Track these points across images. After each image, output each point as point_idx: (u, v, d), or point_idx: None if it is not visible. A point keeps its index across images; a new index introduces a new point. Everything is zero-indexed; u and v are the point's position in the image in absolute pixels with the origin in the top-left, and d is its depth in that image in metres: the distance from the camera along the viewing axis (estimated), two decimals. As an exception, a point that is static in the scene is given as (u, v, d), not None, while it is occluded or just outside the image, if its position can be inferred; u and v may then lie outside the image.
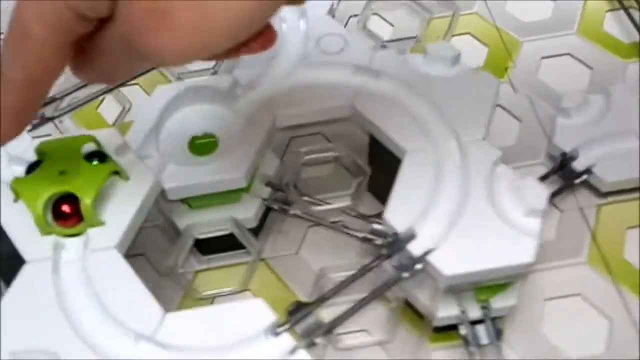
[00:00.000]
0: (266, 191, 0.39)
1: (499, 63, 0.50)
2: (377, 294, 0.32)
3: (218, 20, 0.22)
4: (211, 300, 0.38)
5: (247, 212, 0.38)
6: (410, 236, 0.33)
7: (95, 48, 0.25)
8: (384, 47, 0.44)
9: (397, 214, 0.34)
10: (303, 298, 0.40)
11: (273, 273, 0.40)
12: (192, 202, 0.37)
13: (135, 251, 0.39)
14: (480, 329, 0.36)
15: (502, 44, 0.52)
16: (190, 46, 0.22)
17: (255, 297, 0.38)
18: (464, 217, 0.34)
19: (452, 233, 0.33)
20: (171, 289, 0.39)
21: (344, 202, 0.40)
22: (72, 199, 0.32)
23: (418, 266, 0.33)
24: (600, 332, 0.39)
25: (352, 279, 0.32)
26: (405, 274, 0.32)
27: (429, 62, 0.39)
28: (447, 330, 0.37)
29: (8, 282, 0.34)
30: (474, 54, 0.51)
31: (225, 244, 0.39)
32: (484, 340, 0.36)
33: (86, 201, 0.31)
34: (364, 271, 0.33)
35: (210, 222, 0.37)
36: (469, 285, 0.34)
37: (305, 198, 0.38)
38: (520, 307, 0.38)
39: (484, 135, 0.37)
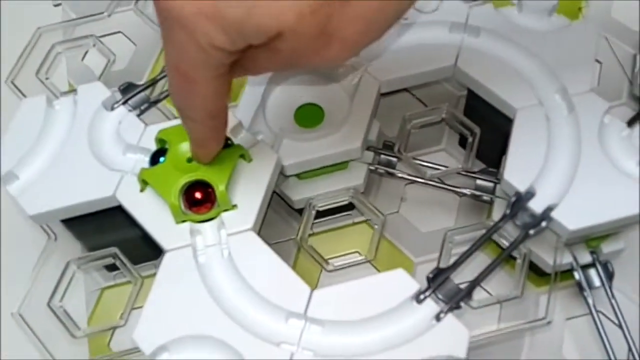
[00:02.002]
0: (369, 156, 0.38)
1: (573, 3, 0.47)
2: (506, 253, 0.31)
3: (378, 29, 0.25)
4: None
5: (357, 179, 0.36)
6: (531, 194, 0.32)
7: (247, 66, 0.26)
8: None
9: (516, 173, 0.33)
10: (411, 256, 0.39)
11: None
12: (302, 174, 0.36)
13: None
14: (593, 273, 0.35)
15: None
16: (353, 52, 0.25)
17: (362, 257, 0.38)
18: (580, 170, 0.33)
19: (571, 188, 0.32)
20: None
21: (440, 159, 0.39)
22: (201, 185, 0.31)
23: (544, 224, 0.31)
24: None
25: (481, 241, 0.31)
26: (532, 232, 0.31)
27: (525, 14, 0.37)
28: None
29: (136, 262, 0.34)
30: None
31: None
32: (597, 283, 0.35)
33: (220, 188, 0.30)
34: (491, 232, 0.31)
35: (328, 194, 0.35)
36: (588, 236, 0.33)
37: (413, 159, 0.36)
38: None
39: (590, 86, 0.35)
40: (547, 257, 0.34)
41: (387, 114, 0.40)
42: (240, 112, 0.35)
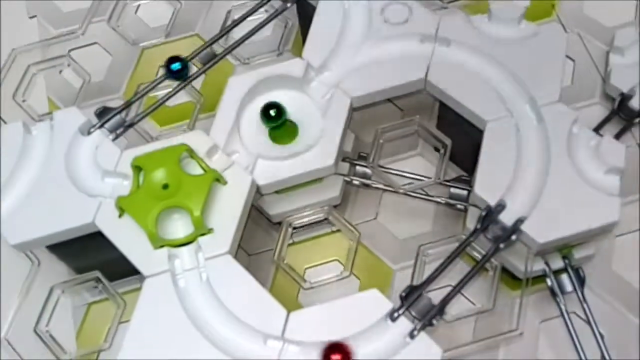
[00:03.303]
0: (345, 167, 0.38)
1: (545, 1, 0.48)
2: (478, 269, 0.32)
3: None
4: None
5: (333, 191, 0.37)
6: (502, 207, 0.33)
7: None
8: (445, 7, 0.41)
9: (487, 186, 0.33)
10: (390, 264, 0.40)
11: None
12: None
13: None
14: (565, 278, 0.36)
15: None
16: None
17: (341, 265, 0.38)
18: (548, 181, 0.33)
19: (540, 200, 0.33)
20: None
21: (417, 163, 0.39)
22: None
23: (513, 237, 0.32)
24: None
25: (453, 256, 0.32)
26: (502, 245, 0.32)
27: (495, 23, 0.37)
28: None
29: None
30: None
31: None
32: (569, 288, 0.36)
33: (196, 213, 0.31)
34: (463, 246, 0.32)
35: (303, 208, 0.36)
36: (559, 246, 0.34)
37: (387, 170, 0.37)
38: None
39: (559, 96, 0.35)
40: (520, 264, 0.35)
41: (370, 118, 0.40)
42: (216, 132, 0.35)
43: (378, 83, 0.36)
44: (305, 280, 0.35)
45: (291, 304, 0.38)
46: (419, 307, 0.30)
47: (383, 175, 0.37)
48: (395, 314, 0.30)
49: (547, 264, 0.36)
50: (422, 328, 0.30)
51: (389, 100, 0.43)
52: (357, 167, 0.39)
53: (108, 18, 0.42)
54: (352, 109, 0.37)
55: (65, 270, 0.37)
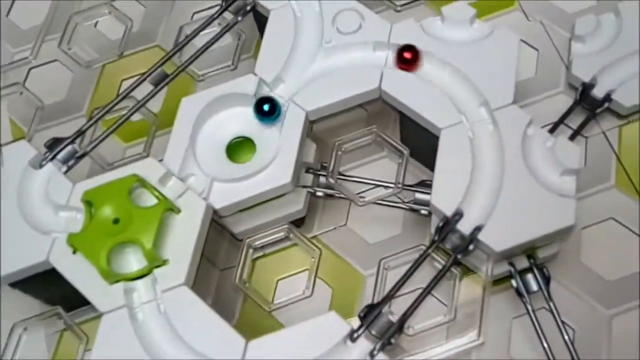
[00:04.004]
0: (308, 178, 0.38)
1: (508, -12, 0.47)
2: (435, 282, 0.32)
3: None
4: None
5: (297, 204, 0.37)
6: (460, 216, 0.32)
7: None
8: (399, 11, 0.40)
9: (443, 196, 0.33)
10: (359, 268, 0.39)
11: (327, 249, 0.40)
12: (242, 207, 0.36)
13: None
14: (530, 277, 0.36)
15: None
16: None
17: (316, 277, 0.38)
18: (504, 186, 0.33)
19: (496, 206, 0.32)
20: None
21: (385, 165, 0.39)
22: None
23: (471, 247, 0.32)
24: (633, 251, 0.38)
25: (412, 270, 0.32)
26: (460, 256, 0.32)
27: (446, 26, 0.36)
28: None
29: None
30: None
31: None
32: (534, 287, 0.35)
33: (147, 247, 0.30)
34: (422, 259, 0.32)
35: (268, 224, 0.35)
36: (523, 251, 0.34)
37: (349, 178, 0.36)
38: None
39: (512, 99, 0.34)
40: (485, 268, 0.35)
41: (336, 124, 0.40)
42: (170, 155, 0.34)
43: (333, 95, 0.35)
44: (269, 302, 0.34)
45: (265, 320, 0.38)
46: (378, 325, 0.30)
47: (345, 184, 0.36)
48: (355, 335, 0.30)
49: (512, 264, 0.35)
50: (382, 348, 0.29)
51: (364, 108, 0.42)
52: (321, 177, 0.38)
53: (60, 38, 0.41)
54: (310, 122, 0.36)
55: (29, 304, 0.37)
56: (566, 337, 0.34)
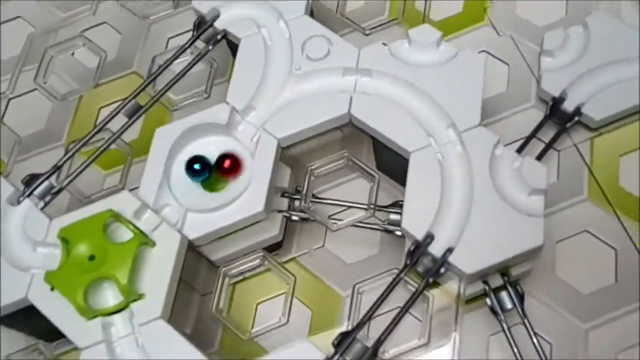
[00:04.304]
0: (283, 202, 0.38)
1: (477, 4, 0.47)
2: (408, 306, 0.32)
3: None
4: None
5: (273, 229, 0.37)
6: (431, 238, 0.33)
7: None
8: (368, 34, 0.41)
9: (414, 220, 0.33)
10: (337, 289, 0.40)
11: (305, 270, 0.40)
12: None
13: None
14: (505, 295, 0.36)
15: (477, -20, 0.48)
16: None
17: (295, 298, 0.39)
18: (473, 208, 0.33)
19: (466, 228, 0.33)
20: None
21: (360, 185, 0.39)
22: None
23: (442, 270, 0.32)
24: (608, 263, 0.39)
25: (384, 296, 0.32)
26: (431, 280, 0.32)
27: (413, 49, 0.37)
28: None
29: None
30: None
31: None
32: (508, 305, 0.36)
33: (122, 282, 0.31)
34: (395, 283, 0.32)
35: (241, 252, 0.36)
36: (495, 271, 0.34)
37: (323, 201, 0.37)
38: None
39: (479, 121, 0.35)
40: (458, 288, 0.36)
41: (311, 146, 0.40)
42: (145, 187, 0.35)
43: (303, 121, 0.36)
44: (247, 330, 0.35)
45: (245, 346, 0.38)
46: (353, 352, 0.30)
47: (320, 207, 0.37)
48: (331, 361, 0.30)
49: (486, 282, 0.36)
50: (356, 373, 0.30)
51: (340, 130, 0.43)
52: (297, 201, 0.39)
53: (36, 71, 0.42)
54: (282, 148, 0.36)
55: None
56: (541, 354, 0.35)
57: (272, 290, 0.40)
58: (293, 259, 0.41)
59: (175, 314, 0.33)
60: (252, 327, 0.39)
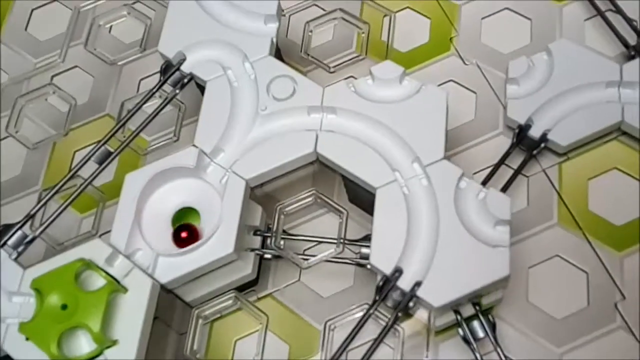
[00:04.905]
0: (256, 240, 0.39)
1: (442, 34, 0.49)
2: (378, 342, 0.33)
3: None
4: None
5: (246, 268, 0.38)
6: (399, 273, 0.34)
7: None
8: (333, 72, 0.42)
9: (382, 256, 0.34)
10: (314, 323, 0.41)
11: (282, 306, 0.41)
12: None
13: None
14: (476, 324, 0.37)
15: (442, 11, 0.49)
16: None
17: (271, 332, 0.39)
18: (439, 241, 0.34)
19: (433, 262, 0.34)
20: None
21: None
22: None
23: (411, 304, 0.33)
24: (580, 287, 0.40)
25: (354, 334, 0.33)
26: (400, 314, 0.33)
27: (377, 85, 0.38)
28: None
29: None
30: (418, 28, 0.49)
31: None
32: (480, 334, 0.37)
33: (95, 330, 0.32)
34: (364, 320, 0.33)
35: (215, 292, 0.37)
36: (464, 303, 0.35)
37: (293, 237, 0.38)
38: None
39: (443, 154, 0.36)
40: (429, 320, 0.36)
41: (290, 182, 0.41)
42: (116, 234, 0.36)
43: (271, 161, 0.37)
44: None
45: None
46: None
47: (293, 243, 0.38)
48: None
49: (457, 312, 0.37)
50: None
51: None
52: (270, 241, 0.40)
53: (7, 121, 0.43)
54: (253, 188, 0.37)
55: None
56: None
57: (249, 326, 0.41)
58: (269, 294, 0.42)
59: (151, 355, 0.34)
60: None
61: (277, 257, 0.39)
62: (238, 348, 0.40)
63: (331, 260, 0.38)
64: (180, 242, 0.36)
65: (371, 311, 0.33)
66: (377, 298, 0.33)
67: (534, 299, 0.40)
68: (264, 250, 0.39)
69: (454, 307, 0.36)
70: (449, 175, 0.36)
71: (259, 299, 0.42)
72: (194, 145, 0.38)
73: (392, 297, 0.34)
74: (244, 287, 0.41)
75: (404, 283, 0.34)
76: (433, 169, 0.36)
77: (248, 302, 0.37)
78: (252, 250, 0.39)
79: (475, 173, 0.43)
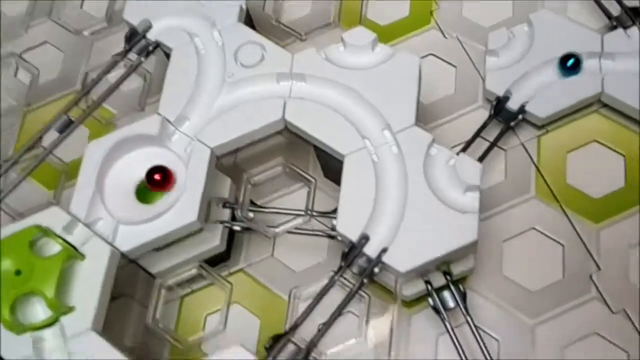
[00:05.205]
0: (226, 212, 0.38)
1: (423, 7, 0.48)
2: (343, 306, 0.32)
3: None
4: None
5: (214, 239, 0.37)
6: (365, 240, 0.33)
7: None
8: (303, 40, 0.42)
9: (348, 223, 0.34)
10: (285, 297, 0.40)
11: (254, 280, 0.40)
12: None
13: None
14: (447, 294, 0.36)
15: (422, -17, 0.49)
16: None
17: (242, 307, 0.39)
18: (408, 208, 0.34)
19: (400, 228, 0.33)
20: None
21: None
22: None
23: (376, 270, 0.32)
24: (555, 259, 0.39)
25: (319, 298, 0.32)
26: (365, 280, 0.32)
27: (348, 52, 0.38)
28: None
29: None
30: (398, 2, 0.48)
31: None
32: (451, 304, 0.36)
33: (49, 296, 0.31)
34: (328, 286, 0.33)
35: (183, 264, 0.36)
36: (431, 269, 0.34)
37: (260, 209, 0.37)
38: (481, 252, 0.39)
39: (414, 121, 0.35)
40: (403, 289, 0.36)
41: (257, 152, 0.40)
42: (76, 202, 0.35)
43: (237, 129, 0.36)
44: (184, 340, 0.35)
45: (192, 354, 0.38)
46: (285, 355, 0.31)
47: (264, 216, 0.37)
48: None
49: (428, 282, 0.36)
50: (289, 378, 0.30)
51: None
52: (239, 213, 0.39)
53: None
54: (219, 157, 0.37)
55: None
56: (484, 349, 0.35)
57: (220, 301, 0.40)
58: (241, 269, 0.41)
59: (113, 327, 0.33)
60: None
61: (245, 229, 0.39)
62: (209, 322, 0.40)
63: (300, 231, 0.37)
64: (154, 185, 0.35)
65: (336, 277, 0.33)
66: (342, 264, 0.33)
67: (509, 272, 0.39)
68: (232, 222, 0.38)
69: (425, 277, 0.36)
70: (419, 141, 0.35)
71: (231, 273, 0.41)
72: (158, 114, 0.37)
73: (358, 265, 0.33)
74: (216, 262, 0.41)
75: (371, 249, 0.33)
76: (403, 136, 0.35)
77: (212, 272, 0.36)
78: (221, 222, 0.38)
79: (453, 147, 0.42)
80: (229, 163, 0.41)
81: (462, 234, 0.33)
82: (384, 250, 0.33)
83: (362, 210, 0.34)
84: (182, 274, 0.36)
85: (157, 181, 0.34)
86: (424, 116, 0.44)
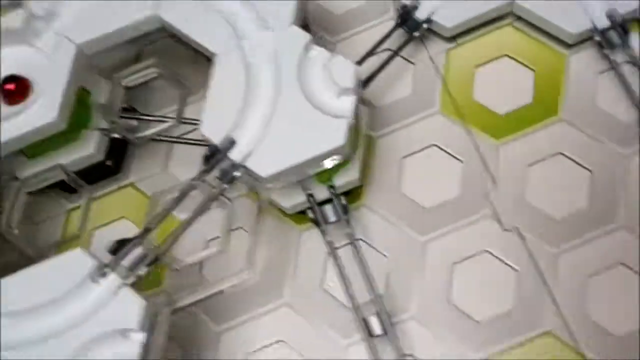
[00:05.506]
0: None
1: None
2: (200, 212, 0.31)
3: None
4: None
5: (88, 148, 0.36)
6: (230, 144, 0.32)
7: None
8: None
9: (213, 125, 0.32)
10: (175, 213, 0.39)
11: (143, 194, 0.39)
12: (27, 151, 0.35)
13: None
14: (329, 208, 0.35)
15: None
16: None
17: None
18: (278, 112, 0.32)
19: (267, 132, 0.32)
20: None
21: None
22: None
23: (236, 174, 0.31)
24: (454, 176, 0.38)
25: (176, 202, 0.31)
26: (225, 185, 0.31)
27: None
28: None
29: None
30: None
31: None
32: (332, 218, 0.35)
33: None
34: (187, 190, 0.31)
35: (39, 172, 0.35)
36: (302, 177, 0.33)
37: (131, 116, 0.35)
38: (379, 168, 0.38)
39: (293, 20, 0.33)
40: (282, 200, 0.34)
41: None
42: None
43: (107, 25, 0.34)
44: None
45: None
46: (130, 260, 0.29)
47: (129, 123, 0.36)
48: (101, 271, 0.29)
49: (310, 195, 0.35)
50: (133, 282, 0.29)
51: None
52: (124, 120, 0.37)
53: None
54: (87, 56, 0.35)
55: None
56: (366, 272, 0.34)
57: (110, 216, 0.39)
58: (131, 184, 0.40)
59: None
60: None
61: (125, 138, 0.37)
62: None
63: (166, 139, 0.36)
64: (8, 95, 0.33)
65: (194, 182, 0.31)
66: (202, 169, 0.31)
67: (407, 189, 0.38)
68: (107, 129, 0.36)
69: (307, 189, 0.34)
70: (296, 42, 0.33)
71: (120, 188, 0.40)
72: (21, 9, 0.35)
73: (222, 169, 0.32)
74: (104, 176, 0.39)
75: (235, 154, 0.32)
76: (280, 36, 0.33)
77: (75, 178, 0.35)
78: (100, 130, 0.37)
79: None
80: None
81: (328, 139, 0.31)
82: (249, 156, 0.31)
83: (229, 114, 0.32)
84: (48, 182, 0.35)
85: (11, 91, 0.32)
86: (334, 26, 0.43)
